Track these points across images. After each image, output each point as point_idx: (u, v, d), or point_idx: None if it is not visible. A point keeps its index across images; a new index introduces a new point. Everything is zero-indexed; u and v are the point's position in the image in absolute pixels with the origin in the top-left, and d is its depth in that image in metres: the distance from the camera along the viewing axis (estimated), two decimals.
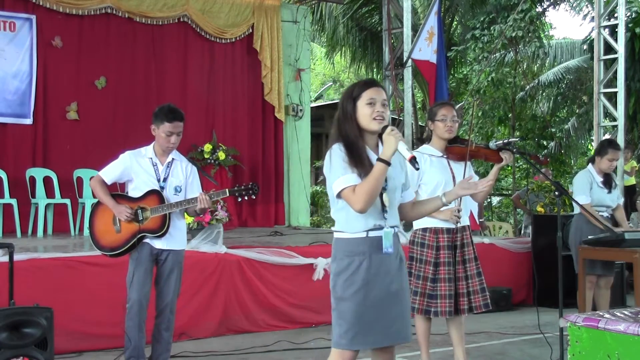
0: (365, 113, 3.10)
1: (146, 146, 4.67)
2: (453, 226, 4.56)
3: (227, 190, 4.52)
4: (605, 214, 6.07)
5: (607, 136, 10.14)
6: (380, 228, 3.09)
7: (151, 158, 4.61)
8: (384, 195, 3.10)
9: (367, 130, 3.13)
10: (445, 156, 4.61)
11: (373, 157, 3.11)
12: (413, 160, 3.02)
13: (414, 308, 4.51)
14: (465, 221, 4.64)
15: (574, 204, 6.13)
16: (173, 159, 4.65)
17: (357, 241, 3.08)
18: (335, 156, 3.07)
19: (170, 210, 4.49)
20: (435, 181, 4.53)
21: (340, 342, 3.08)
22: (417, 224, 4.61)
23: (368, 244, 3.07)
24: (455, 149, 4.59)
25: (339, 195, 3.06)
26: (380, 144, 3.16)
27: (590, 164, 6.18)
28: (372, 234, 3.08)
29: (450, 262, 4.54)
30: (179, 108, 4.60)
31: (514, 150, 4.57)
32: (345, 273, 3.06)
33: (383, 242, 3.07)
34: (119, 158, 4.66)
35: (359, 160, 3.05)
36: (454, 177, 4.55)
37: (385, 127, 3.08)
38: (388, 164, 3.00)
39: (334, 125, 3.18)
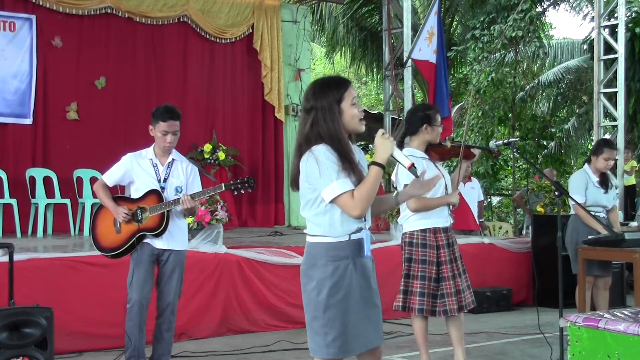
0: (354, 114, 2.95)
1: (147, 148, 4.68)
2: (448, 225, 4.66)
3: (223, 184, 4.52)
4: (602, 215, 6.06)
5: (607, 136, 10.14)
6: (360, 230, 2.99)
7: (151, 159, 4.62)
8: None
9: (352, 132, 3.01)
10: (429, 157, 4.71)
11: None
12: (413, 168, 2.95)
13: (422, 309, 4.55)
14: (450, 220, 4.73)
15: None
16: (173, 159, 4.65)
17: (340, 245, 2.95)
18: (324, 159, 2.87)
19: (168, 207, 4.49)
20: None
21: (329, 351, 2.93)
22: (415, 226, 4.64)
23: (351, 247, 2.95)
24: (435, 149, 4.71)
25: (331, 201, 2.90)
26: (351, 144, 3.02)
27: (586, 164, 6.18)
28: (353, 236, 2.96)
29: (448, 260, 4.61)
30: (176, 107, 4.59)
31: (479, 145, 4.76)
32: (331, 279, 2.93)
33: (365, 244, 2.98)
34: (120, 160, 4.67)
35: (353, 164, 2.92)
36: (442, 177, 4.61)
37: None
38: (383, 167, 2.92)
39: (312, 126, 2.93)
